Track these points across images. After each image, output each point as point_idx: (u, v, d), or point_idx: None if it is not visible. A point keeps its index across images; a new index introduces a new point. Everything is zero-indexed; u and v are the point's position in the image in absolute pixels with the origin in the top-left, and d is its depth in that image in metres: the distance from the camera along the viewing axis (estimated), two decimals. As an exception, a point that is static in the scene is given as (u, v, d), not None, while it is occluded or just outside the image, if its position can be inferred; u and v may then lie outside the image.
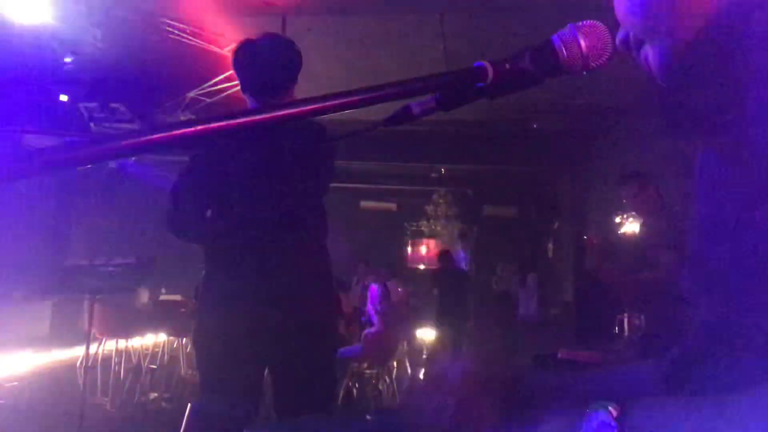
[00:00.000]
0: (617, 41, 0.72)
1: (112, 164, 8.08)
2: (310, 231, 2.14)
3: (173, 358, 6.57)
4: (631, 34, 0.72)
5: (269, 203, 2.05)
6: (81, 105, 6.41)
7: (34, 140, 5.67)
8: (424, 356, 7.72)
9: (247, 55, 2.13)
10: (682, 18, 0.68)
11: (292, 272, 2.03)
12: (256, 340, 1.98)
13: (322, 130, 2.11)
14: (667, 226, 3.22)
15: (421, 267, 12.26)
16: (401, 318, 6.37)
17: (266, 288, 1.99)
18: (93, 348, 5.30)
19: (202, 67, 5.80)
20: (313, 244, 2.15)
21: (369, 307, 6.01)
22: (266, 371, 2.12)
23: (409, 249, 12.61)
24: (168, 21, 5.18)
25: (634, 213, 3.55)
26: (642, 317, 3.02)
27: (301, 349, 2.01)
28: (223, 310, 2.02)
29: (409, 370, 6.72)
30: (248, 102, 2.17)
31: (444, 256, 8.03)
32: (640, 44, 0.72)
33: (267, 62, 2.13)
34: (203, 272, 2.14)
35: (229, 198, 2.06)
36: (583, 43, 0.66)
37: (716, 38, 0.67)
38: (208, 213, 2.11)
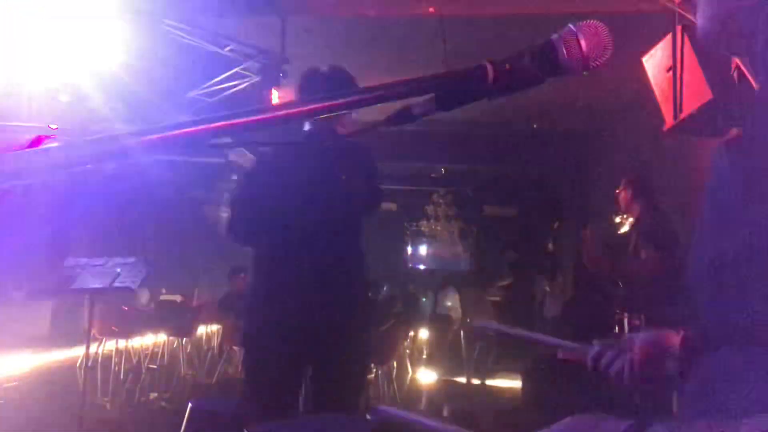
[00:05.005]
0: None
1: (112, 164, 8.08)
2: (347, 243, 2.36)
3: (173, 358, 6.58)
4: None
5: (313, 217, 2.26)
6: (81, 105, 6.41)
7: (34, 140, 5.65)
8: (424, 356, 7.71)
9: (310, 80, 2.41)
10: None
11: (331, 280, 2.24)
12: (296, 340, 2.17)
13: (367, 149, 2.42)
14: (653, 227, 3.31)
15: (421, 267, 12.27)
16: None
17: (307, 294, 2.20)
18: (93, 348, 5.30)
19: (202, 67, 5.80)
20: (351, 254, 2.37)
21: None
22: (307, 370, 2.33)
23: (409, 249, 12.62)
24: (168, 21, 5.18)
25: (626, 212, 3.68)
26: (642, 317, 3.04)
27: (336, 351, 2.23)
28: (269, 313, 2.25)
29: (410, 370, 6.72)
30: (305, 125, 2.41)
31: None
32: None
33: (327, 88, 2.36)
34: (249, 277, 2.43)
35: (280, 209, 2.29)
36: (583, 43, 0.66)
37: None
38: (263, 222, 2.33)
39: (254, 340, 2.32)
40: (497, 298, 9.19)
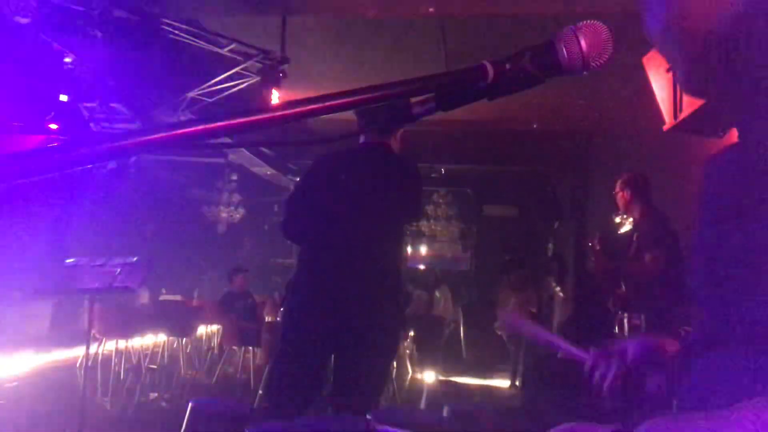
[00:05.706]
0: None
1: (112, 164, 8.08)
2: (387, 251, 2.53)
3: (173, 358, 6.57)
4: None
5: (359, 224, 2.46)
6: (81, 105, 6.41)
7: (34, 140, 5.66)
8: (423, 356, 7.70)
9: None
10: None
11: (368, 282, 2.42)
12: (328, 331, 2.39)
13: (414, 168, 2.67)
14: (654, 228, 3.32)
15: (421, 267, 12.26)
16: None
17: (343, 293, 2.39)
18: (93, 348, 5.30)
19: (202, 67, 5.80)
20: (388, 261, 2.53)
21: None
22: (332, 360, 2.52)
23: (409, 249, 12.61)
24: (168, 21, 5.18)
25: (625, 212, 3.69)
26: (642, 317, 3.04)
27: (364, 347, 2.40)
28: (307, 303, 2.47)
29: (410, 370, 6.71)
30: (362, 138, 2.61)
31: None
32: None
33: (384, 110, 2.51)
34: (295, 272, 2.62)
35: (330, 213, 2.49)
36: (583, 43, 0.66)
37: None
38: (313, 223, 2.52)
39: (292, 330, 2.51)
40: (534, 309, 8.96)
